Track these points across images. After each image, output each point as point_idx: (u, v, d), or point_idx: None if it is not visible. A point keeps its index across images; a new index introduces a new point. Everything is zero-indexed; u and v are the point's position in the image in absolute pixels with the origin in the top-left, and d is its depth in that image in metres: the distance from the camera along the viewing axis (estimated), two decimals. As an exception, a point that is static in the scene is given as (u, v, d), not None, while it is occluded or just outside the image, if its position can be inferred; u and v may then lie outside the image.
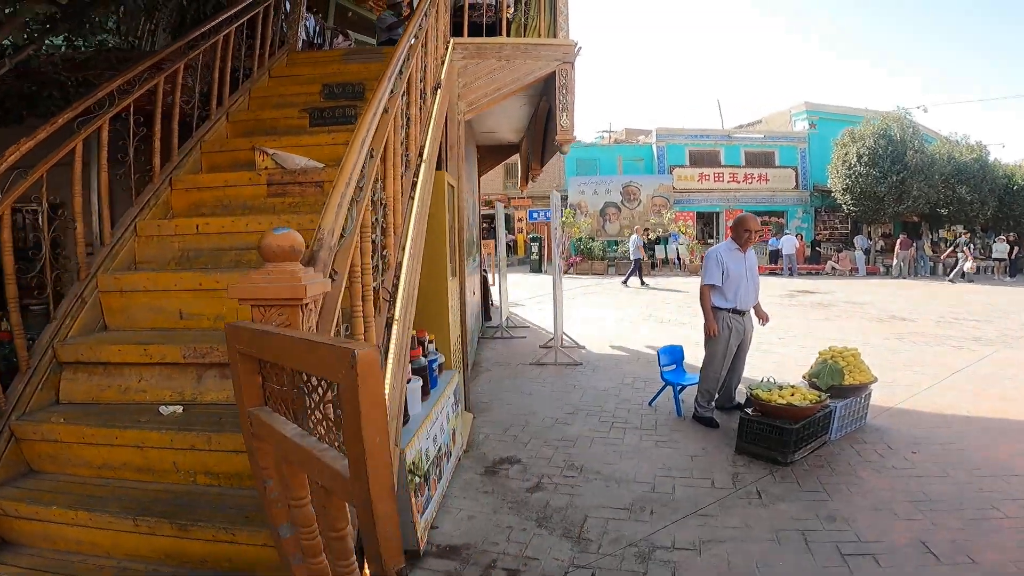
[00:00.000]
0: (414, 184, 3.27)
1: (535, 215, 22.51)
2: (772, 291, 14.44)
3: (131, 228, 3.35)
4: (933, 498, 3.13)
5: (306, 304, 1.55)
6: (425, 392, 3.34)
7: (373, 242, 2.53)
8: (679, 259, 20.56)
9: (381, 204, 2.59)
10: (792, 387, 3.97)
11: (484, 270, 9.52)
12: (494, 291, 9.92)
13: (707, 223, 24.38)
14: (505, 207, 25.51)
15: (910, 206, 18.45)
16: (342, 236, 1.97)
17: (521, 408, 5.20)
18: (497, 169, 25.68)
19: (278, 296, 1.50)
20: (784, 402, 3.71)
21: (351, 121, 3.63)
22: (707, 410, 4.61)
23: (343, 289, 1.97)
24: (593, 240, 21.34)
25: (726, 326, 4.44)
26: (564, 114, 4.89)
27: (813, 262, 20.82)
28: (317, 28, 5.72)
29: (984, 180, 18.90)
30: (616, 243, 21.84)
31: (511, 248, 24.61)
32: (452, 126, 4.87)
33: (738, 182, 23.47)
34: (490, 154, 9.87)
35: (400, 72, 2.86)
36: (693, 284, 15.92)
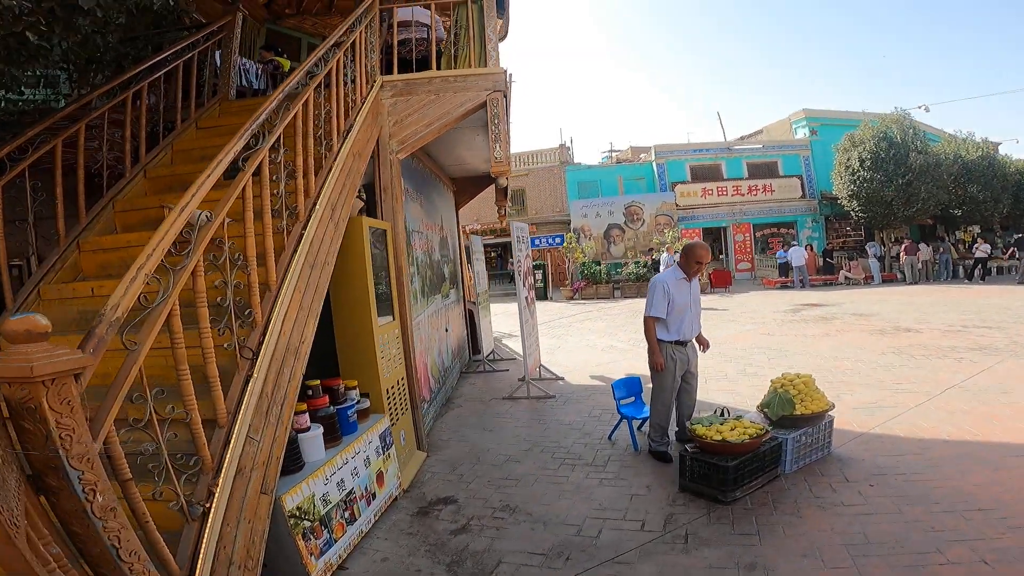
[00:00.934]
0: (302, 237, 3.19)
1: (536, 242, 22.51)
2: (777, 306, 14.01)
3: (35, 293, 3.35)
4: (873, 540, 2.83)
5: (52, 380, 1.47)
6: (334, 438, 3.36)
7: (219, 304, 2.45)
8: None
9: (232, 264, 2.51)
10: (736, 420, 3.71)
11: (473, 303, 9.42)
12: (483, 324, 9.77)
13: (715, 239, 23.96)
14: (508, 235, 25.57)
15: (920, 209, 17.83)
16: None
17: (478, 445, 5.07)
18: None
19: (6, 375, 1.43)
20: (720, 438, 3.45)
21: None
22: (661, 444, 4.36)
23: (143, 355, 1.88)
24: (598, 264, 21.11)
25: (670, 357, 4.21)
26: (497, 145, 4.80)
27: (827, 272, 20.22)
28: (259, 72, 5.75)
29: (995, 177, 18.20)
30: (620, 265, 21.56)
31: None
32: (384, 167, 4.82)
33: (742, 195, 23.10)
34: (469, 185, 9.85)
35: (262, 128, 2.81)
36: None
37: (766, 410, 3.99)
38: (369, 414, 3.88)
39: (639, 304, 16.60)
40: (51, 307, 3.29)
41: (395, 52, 4.99)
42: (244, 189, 2.65)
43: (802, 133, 23.65)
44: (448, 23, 5.53)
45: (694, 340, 4.42)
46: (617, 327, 12.34)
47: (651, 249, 21.31)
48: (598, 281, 20.14)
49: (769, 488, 3.60)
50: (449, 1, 5.18)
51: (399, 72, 4.95)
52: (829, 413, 4.10)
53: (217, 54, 5.12)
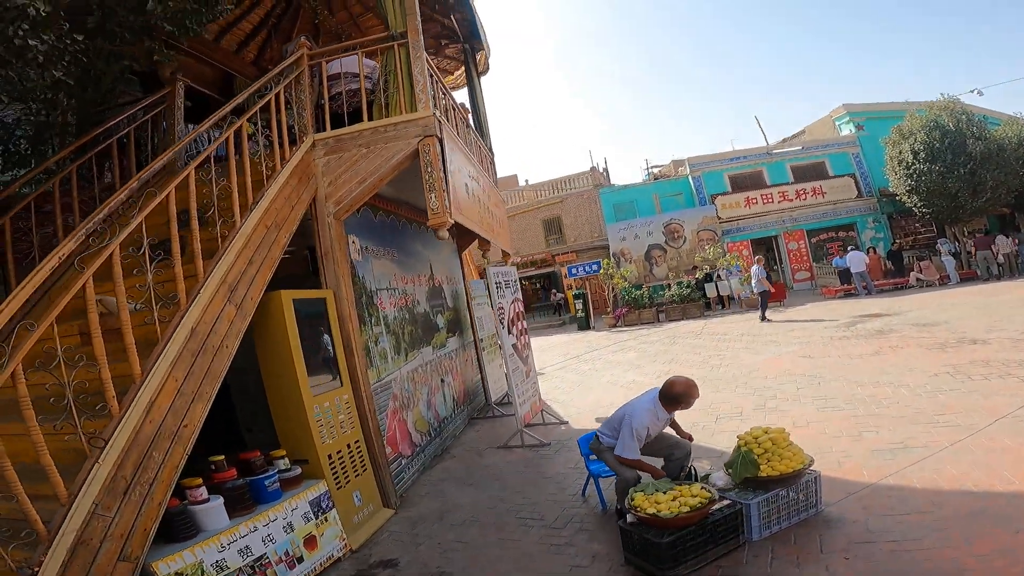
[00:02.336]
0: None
1: (574, 271, 22.10)
2: (830, 320, 12.81)
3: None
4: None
5: None
6: (245, 507, 3.41)
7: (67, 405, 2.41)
8: (736, 296, 19.01)
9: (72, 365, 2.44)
10: (681, 486, 3.21)
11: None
12: (492, 367, 9.49)
13: (768, 248, 22.63)
14: (549, 264, 25.29)
15: (990, 198, 15.99)
16: None
17: (450, 501, 4.86)
18: (536, 226, 25.68)
19: None
20: (652, 511, 2.98)
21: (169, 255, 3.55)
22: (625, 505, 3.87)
23: None
24: (639, 288, 20.33)
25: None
26: (432, 195, 4.59)
27: (896, 275, 18.43)
28: (209, 136, 5.70)
29: (1071, 157, 16.11)
30: (664, 287, 20.69)
31: (561, 307, 24.08)
32: (324, 231, 4.72)
33: (790, 200, 21.76)
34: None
35: (106, 222, 2.76)
36: (747, 323, 14.58)
37: (730, 471, 3.45)
38: (302, 480, 3.86)
39: (683, 327, 15.81)
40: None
41: (326, 108, 4.95)
42: (84, 289, 2.59)
43: (847, 130, 22.12)
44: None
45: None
46: (648, 358, 11.66)
47: (695, 267, 20.34)
48: (641, 306, 19.36)
49: (725, 561, 3.06)
50: (375, 48, 5.07)
51: (333, 127, 4.89)
52: (810, 470, 3.50)
53: (162, 123, 5.20)
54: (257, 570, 3.21)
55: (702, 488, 3.17)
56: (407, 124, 4.70)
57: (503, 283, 6.70)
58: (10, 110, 4.16)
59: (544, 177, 32.33)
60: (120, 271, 2.88)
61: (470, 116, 7.49)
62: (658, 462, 3.86)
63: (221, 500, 3.22)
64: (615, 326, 18.89)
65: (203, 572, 2.92)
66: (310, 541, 3.60)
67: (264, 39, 7.75)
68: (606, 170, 27.67)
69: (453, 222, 4.73)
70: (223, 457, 3.44)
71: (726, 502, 3.18)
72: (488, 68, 9.29)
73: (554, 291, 24.88)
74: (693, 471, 3.66)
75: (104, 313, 3.42)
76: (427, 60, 4.94)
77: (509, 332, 6.57)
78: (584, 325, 19.39)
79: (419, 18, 4.88)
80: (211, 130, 5.92)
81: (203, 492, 3.15)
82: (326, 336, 4.48)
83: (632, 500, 3.16)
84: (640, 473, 3.62)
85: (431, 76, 5.31)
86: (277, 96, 4.48)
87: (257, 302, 3.79)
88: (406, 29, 4.82)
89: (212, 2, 3.86)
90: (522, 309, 7.22)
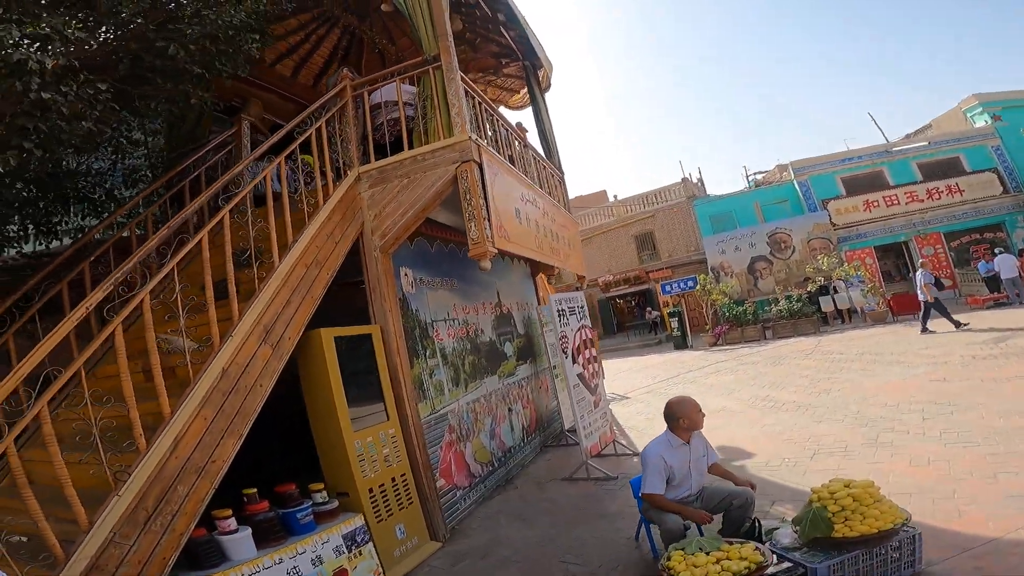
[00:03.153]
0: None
1: (668, 288, 21.04)
2: (974, 335, 10.95)
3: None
4: None
5: None
6: (277, 539, 3.45)
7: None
8: (856, 308, 17.01)
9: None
10: (731, 546, 2.74)
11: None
12: (564, 395, 9.13)
13: (897, 255, 20.16)
14: (643, 281, 24.36)
15: None
16: None
17: (498, 537, 4.66)
18: (627, 242, 24.91)
19: None
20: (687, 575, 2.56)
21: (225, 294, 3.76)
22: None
23: None
24: (741, 304, 18.89)
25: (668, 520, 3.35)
26: (472, 223, 4.48)
27: (1061, 279, 15.48)
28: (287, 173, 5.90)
29: None
30: (771, 302, 19.04)
31: (657, 326, 23.05)
32: (371, 265, 4.78)
33: (921, 201, 19.22)
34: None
35: (138, 270, 2.93)
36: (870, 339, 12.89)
37: (796, 528, 2.92)
38: (339, 513, 3.86)
39: (792, 346, 14.38)
40: (63, 425, 3.70)
41: (370, 139, 5.04)
42: (114, 337, 2.76)
43: (981, 121, 19.21)
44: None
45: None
46: (746, 381, 10.66)
47: (807, 279, 18.55)
48: (744, 323, 17.93)
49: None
50: (411, 74, 5.05)
51: (378, 159, 4.95)
52: (907, 527, 2.87)
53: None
54: (281, 600, 3.23)
55: (755, 549, 2.68)
56: (444, 150, 4.65)
57: (567, 310, 6.42)
58: (101, 159, 4.68)
59: (635, 191, 31.50)
60: (150, 318, 3.05)
61: (525, 135, 7.35)
62: (717, 518, 3.39)
63: (249, 531, 3.30)
64: (715, 345, 17.64)
65: None
66: (340, 574, 3.58)
67: (335, 71, 8.23)
68: (700, 180, 26.33)
69: (495, 251, 4.57)
70: (255, 490, 3.52)
71: (786, 565, 2.66)
72: (550, 85, 9.17)
73: (649, 309, 23.89)
74: (757, 525, 3.15)
75: (168, 351, 3.67)
76: (463, 82, 4.88)
77: (574, 361, 6.26)
78: (681, 344, 18.33)
79: (451, 40, 4.84)
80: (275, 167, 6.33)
81: (232, 523, 3.23)
82: (373, 372, 4.49)
83: (669, 559, 2.75)
84: (686, 522, 3.19)
85: (473, 98, 5.28)
86: (319, 131, 4.63)
87: (296, 341, 3.87)
88: (439, 52, 4.80)
89: (239, 44, 4.07)
90: (591, 336, 6.88)
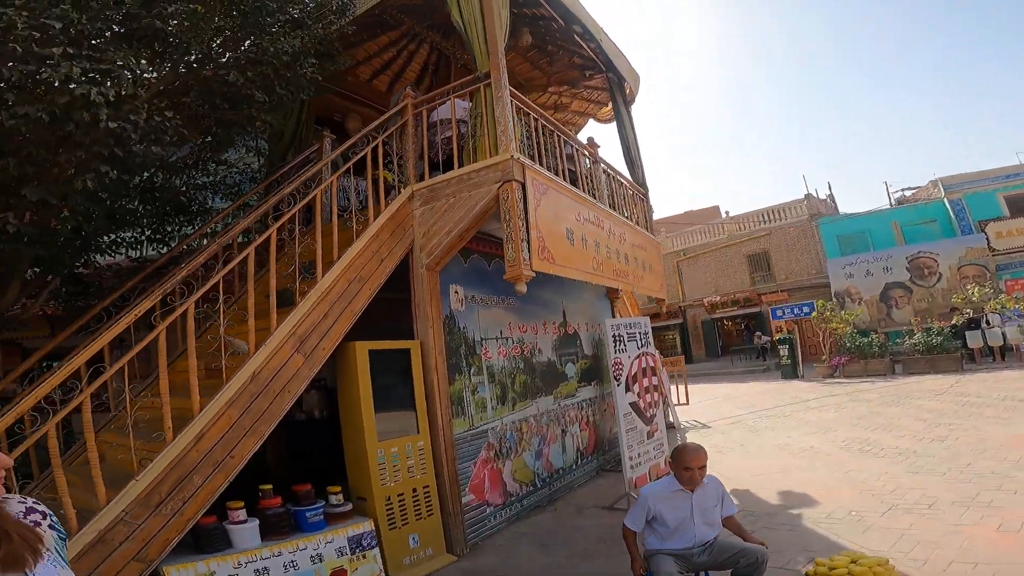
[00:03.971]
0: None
1: (779, 313, 19.33)
2: None
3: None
4: None
5: None
6: (282, 533, 3.71)
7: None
8: (1012, 346, 14.46)
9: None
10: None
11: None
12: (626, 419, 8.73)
13: (1079, 288, 16.85)
14: (754, 304, 22.64)
15: None
16: None
17: (513, 560, 4.64)
18: (738, 262, 23.25)
19: None
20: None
21: (290, 303, 4.15)
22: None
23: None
24: (866, 335, 16.83)
25: (660, 568, 3.11)
26: (510, 245, 4.48)
27: None
28: (350, 192, 5.64)
29: None
30: (903, 334, 16.78)
31: (766, 352, 21.31)
32: (418, 284, 4.95)
33: (1115, 224, 15.90)
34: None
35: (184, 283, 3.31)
36: (1020, 380, 10.88)
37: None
38: (352, 516, 4.07)
39: (922, 384, 12.62)
40: (142, 412, 4.28)
41: (425, 157, 5.20)
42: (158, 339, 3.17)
43: None
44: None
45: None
46: (849, 420, 9.50)
47: (953, 310, 16.12)
48: (868, 355, 15.95)
49: None
50: (465, 91, 5.08)
51: (432, 176, 5.07)
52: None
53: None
54: (271, 588, 3.47)
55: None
56: (487, 169, 4.66)
57: (624, 336, 6.16)
58: (202, 176, 5.35)
59: (752, 207, 29.39)
60: (193, 325, 3.44)
61: (597, 150, 7.18)
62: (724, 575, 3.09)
63: (256, 523, 3.56)
64: (830, 376, 15.90)
65: None
66: (339, 573, 3.74)
67: (428, 87, 8.64)
68: (830, 197, 23.89)
69: (532, 274, 4.52)
70: (271, 486, 3.81)
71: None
72: (635, 98, 8.90)
73: (758, 333, 22.13)
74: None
75: (233, 353, 4.11)
76: (515, 99, 4.89)
77: (628, 389, 6.00)
78: (789, 373, 16.77)
79: (502, 57, 4.83)
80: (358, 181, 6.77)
81: (242, 514, 3.52)
82: (407, 385, 4.66)
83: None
84: (680, 571, 2.95)
85: (528, 115, 5.29)
86: (375, 149, 4.90)
87: (330, 352, 4.13)
88: (490, 68, 4.84)
89: (297, 70, 4.41)
90: (654, 363, 6.54)
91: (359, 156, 4.81)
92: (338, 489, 4.08)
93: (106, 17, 3.19)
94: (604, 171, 7.21)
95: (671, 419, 10.75)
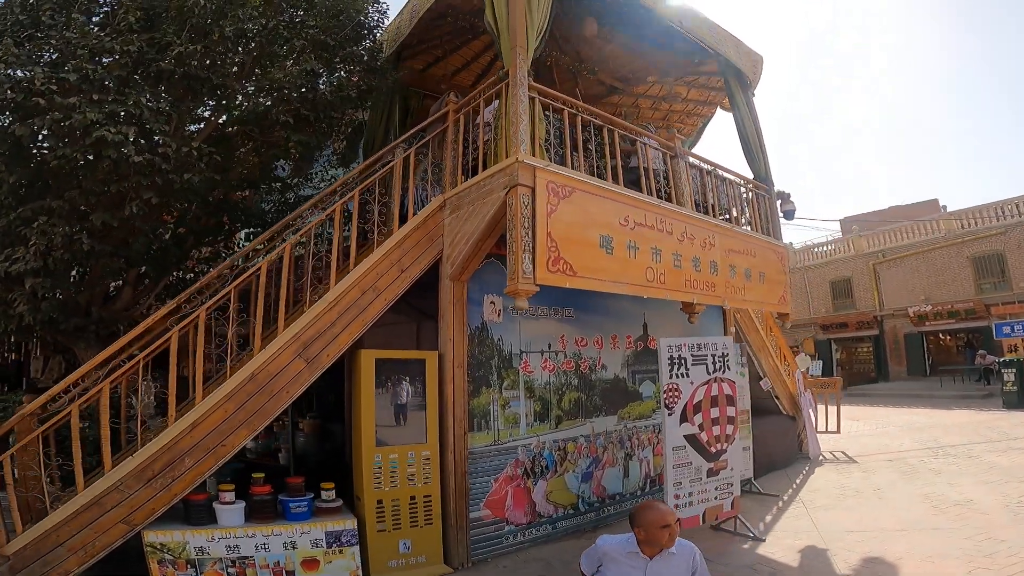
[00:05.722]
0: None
1: (1006, 329, 15.06)
2: None
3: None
4: None
5: None
6: (265, 517, 4.07)
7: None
8: None
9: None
10: None
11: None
12: (676, 453, 7.61)
13: None
14: (979, 317, 18.05)
15: None
16: None
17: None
18: (960, 265, 18.61)
19: None
20: None
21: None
22: None
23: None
24: None
25: None
26: (511, 255, 4.23)
27: None
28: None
29: None
30: None
31: (991, 374, 16.89)
32: (442, 292, 5.00)
33: None
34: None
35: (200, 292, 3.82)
36: None
37: None
38: (339, 513, 4.29)
39: None
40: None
41: (459, 164, 5.14)
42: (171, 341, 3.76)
43: None
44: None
45: None
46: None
47: None
48: None
49: None
50: (492, 92, 4.84)
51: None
52: None
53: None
54: (238, 565, 3.81)
55: None
56: (498, 175, 4.39)
57: (687, 358, 5.40)
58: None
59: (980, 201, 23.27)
60: (204, 329, 3.95)
61: (675, 143, 6.35)
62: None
63: (243, 505, 3.95)
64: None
65: (184, 550, 3.67)
66: (310, 563, 3.99)
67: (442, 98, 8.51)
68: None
69: (535, 289, 4.24)
70: (263, 475, 4.22)
71: None
72: (754, 83, 7.71)
73: (982, 352, 17.59)
74: None
75: None
76: (537, 96, 4.60)
77: (686, 419, 5.28)
78: (1014, 403, 13.18)
79: (522, 51, 4.51)
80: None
81: (230, 496, 3.94)
82: (419, 395, 4.74)
83: None
84: None
85: (563, 111, 4.97)
86: (406, 159, 5.02)
87: (335, 358, 4.38)
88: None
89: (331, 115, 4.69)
90: (726, 392, 5.63)
91: (388, 168, 4.99)
92: (331, 486, 4.34)
93: (123, 64, 3.81)
94: (691, 166, 6.40)
95: (809, 449, 9.21)
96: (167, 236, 5.01)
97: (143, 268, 4.98)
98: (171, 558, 3.65)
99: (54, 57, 3.66)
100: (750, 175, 7.58)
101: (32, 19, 3.81)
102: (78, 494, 3.43)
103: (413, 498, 4.55)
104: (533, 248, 4.23)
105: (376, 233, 4.91)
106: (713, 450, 5.45)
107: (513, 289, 4.21)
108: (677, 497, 5.10)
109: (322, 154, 6.93)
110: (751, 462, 7.42)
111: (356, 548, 4.13)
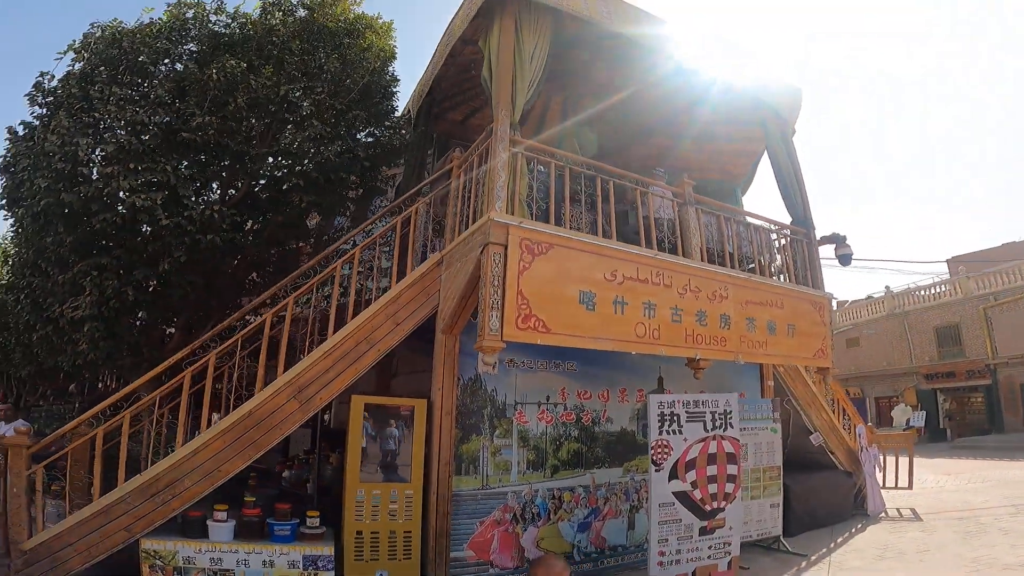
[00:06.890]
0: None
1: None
2: None
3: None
4: None
5: None
6: (252, 536, 4.54)
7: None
8: None
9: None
10: None
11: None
12: (662, 509, 7.12)
13: None
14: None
15: None
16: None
17: None
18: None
19: None
20: None
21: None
22: None
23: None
24: None
25: None
26: (480, 313, 4.41)
27: None
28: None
29: None
30: None
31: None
32: (436, 344, 5.33)
33: None
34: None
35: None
36: None
37: None
38: (320, 539, 4.66)
39: None
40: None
41: (457, 226, 5.44)
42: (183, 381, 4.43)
43: None
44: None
45: None
46: None
47: None
48: None
49: None
50: (485, 146, 5.01)
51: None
52: None
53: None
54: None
55: None
56: (476, 233, 4.65)
57: (680, 415, 5.32)
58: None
59: None
60: (212, 370, 4.58)
61: (686, 188, 6.25)
62: None
63: (232, 524, 4.45)
64: None
65: (173, 558, 4.21)
66: None
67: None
68: None
69: (502, 346, 4.43)
70: (254, 499, 4.74)
71: None
72: (791, 121, 7.45)
73: None
74: None
75: None
76: (506, 153, 4.73)
77: (676, 476, 5.18)
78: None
79: (506, 105, 4.78)
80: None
81: (222, 515, 4.45)
82: (407, 438, 5.09)
83: None
84: None
85: (551, 163, 5.16)
86: (406, 219, 5.45)
87: (327, 401, 4.90)
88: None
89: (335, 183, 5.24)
90: (727, 450, 5.43)
91: (389, 227, 5.46)
92: (315, 514, 4.75)
93: (154, 134, 4.52)
94: (698, 215, 6.23)
95: (869, 506, 8.41)
96: (203, 289, 5.75)
97: (188, 316, 5.83)
98: (161, 564, 4.20)
99: (101, 127, 4.47)
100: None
101: (83, 92, 4.66)
102: (92, 502, 4.11)
103: (393, 532, 4.86)
104: (502, 306, 4.39)
105: (375, 288, 5.37)
106: (708, 508, 5.28)
107: (479, 345, 4.39)
108: (662, 554, 5.01)
109: (361, 208, 7.49)
110: (779, 520, 6.96)
111: (331, 574, 4.50)
